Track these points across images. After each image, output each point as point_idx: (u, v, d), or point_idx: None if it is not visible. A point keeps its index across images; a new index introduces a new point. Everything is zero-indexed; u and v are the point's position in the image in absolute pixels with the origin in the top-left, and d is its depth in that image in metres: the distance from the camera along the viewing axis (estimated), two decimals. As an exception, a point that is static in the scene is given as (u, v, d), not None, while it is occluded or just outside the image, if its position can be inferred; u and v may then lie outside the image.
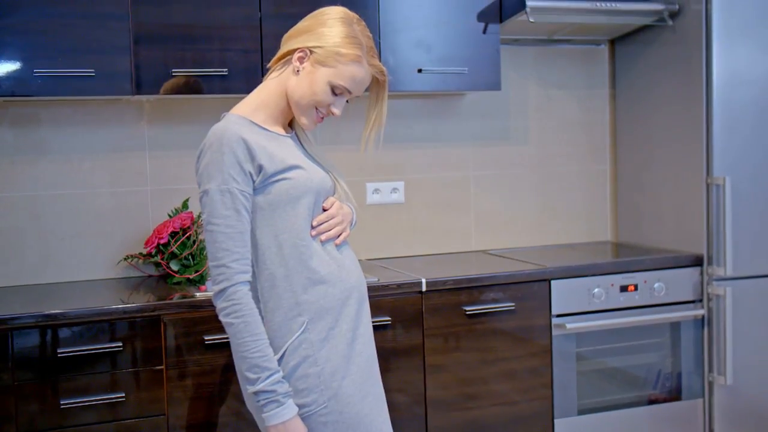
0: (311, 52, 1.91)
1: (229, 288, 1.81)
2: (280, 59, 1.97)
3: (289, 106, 1.96)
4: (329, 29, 1.91)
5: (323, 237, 1.93)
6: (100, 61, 2.67)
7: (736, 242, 3.13)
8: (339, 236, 1.97)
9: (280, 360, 1.86)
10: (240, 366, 1.84)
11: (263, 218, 1.88)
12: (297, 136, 2.05)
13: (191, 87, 2.77)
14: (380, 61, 2.00)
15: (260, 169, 1.85)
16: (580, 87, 3.67)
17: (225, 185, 1.82)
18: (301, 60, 1.92)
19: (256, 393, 1.81)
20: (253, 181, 1.85)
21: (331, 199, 1.99)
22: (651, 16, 3.27)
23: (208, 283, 2.84)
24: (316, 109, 1.94)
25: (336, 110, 1.94)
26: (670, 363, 3.20)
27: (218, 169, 1.82)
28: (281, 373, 1.83)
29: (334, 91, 1.92)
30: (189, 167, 3.06)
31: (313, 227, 1.92)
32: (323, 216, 1.94)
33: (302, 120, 1.95)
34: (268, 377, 1.80)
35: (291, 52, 1.94)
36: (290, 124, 2.05)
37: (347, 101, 1.98)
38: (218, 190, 1.82)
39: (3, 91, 2.61)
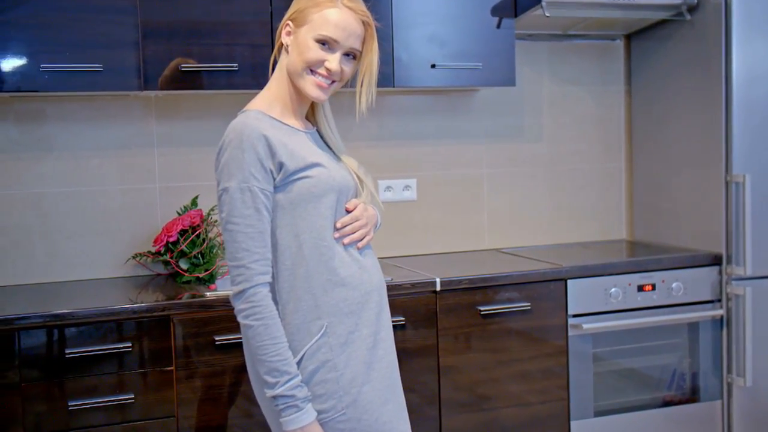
0: (292, 21, 1.88)
1: (248, 289, 1.76)
2: (278, 50, 1.95)
3: (298, 90, 1.90)
4: None
5: (346, 240, 1.88)
6: (107, 56, 2.63)
7: (755, 241, 3.07)
8: (362, 239, 1.92)
9: (298, 364, 1.81)
10: (258, 369, 1.79)
11: (284, 217, 1.82)
12: (320, 132, 2.00)
13: (190, 80, 2.71)
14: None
15: (281, 166, 1.80)
16: (595, 83, 3.62)
17: (245, 183, 1.76)
18: (288, 34, 1.89)
19: (274, 397, 1.76)
20: (274, 179, 1.80)
21: (355, 200, 1.94)
22: (668, 10, 3.22)
23: (218, 282, 2.80)
24: (312, 71, 1.86)
25: (332, 65, 1.85)
26: (688, 364, 3.14)
27: (238, 166, 1.77)
28: (300, 377, 1.78)
29: (323, 45, 1.85)
30: (198, 164, 3.05)
31: (336, 229, 1.87)
32: (348, 218, 1.89)
33: (306, 89, 1.87)
34: (288, 381, 1.76)
35: (280, 34, 1.92)
36: (311, 120, 2.01)
37: (353, 57, 1.89)
38: (238, 188, 1.76)
39: (9, 86, 2.56)
